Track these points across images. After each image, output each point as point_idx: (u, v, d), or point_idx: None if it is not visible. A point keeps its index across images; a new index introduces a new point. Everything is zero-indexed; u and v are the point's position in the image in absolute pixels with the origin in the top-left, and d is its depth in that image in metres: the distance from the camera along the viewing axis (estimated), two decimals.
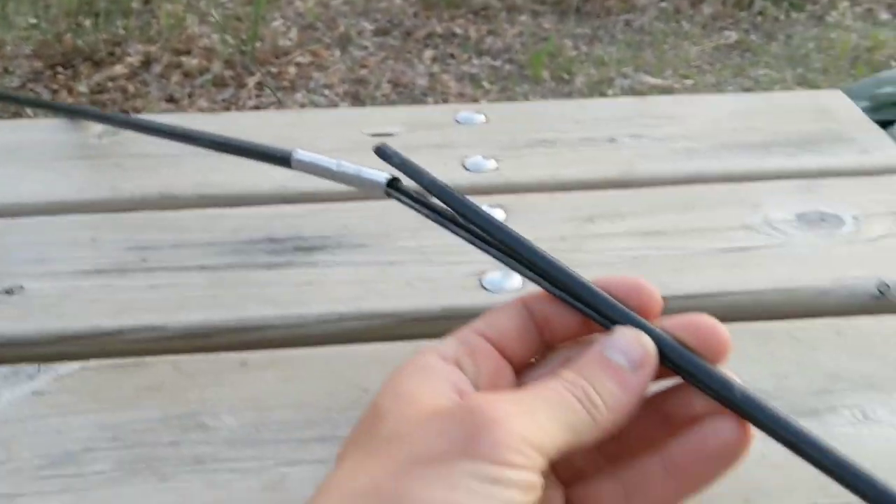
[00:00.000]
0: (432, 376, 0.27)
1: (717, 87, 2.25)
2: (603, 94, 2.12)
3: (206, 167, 0.54)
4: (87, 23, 2.29)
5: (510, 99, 2.16)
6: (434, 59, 2.38)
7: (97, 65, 2.21)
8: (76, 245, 0.47)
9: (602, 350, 0.27)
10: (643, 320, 0.28)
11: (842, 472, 0.26)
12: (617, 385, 0.26)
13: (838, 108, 0.61)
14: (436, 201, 0.34)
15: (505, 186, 0.52)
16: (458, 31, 2.52)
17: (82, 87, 2.11)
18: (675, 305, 0.42)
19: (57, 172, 0.54)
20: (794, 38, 2.54)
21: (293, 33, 2.46)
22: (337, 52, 2.39)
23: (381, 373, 0.38)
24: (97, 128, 0.58)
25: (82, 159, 0.55)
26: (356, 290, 0.44)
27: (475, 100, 2.16)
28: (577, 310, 0.30)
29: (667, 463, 0.28)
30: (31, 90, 2.08)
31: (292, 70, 2.30)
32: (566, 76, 2.29)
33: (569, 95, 2.15)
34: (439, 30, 2.52)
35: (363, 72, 2.29)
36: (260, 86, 2.20)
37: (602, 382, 0.26)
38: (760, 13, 2.67)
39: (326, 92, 2.18)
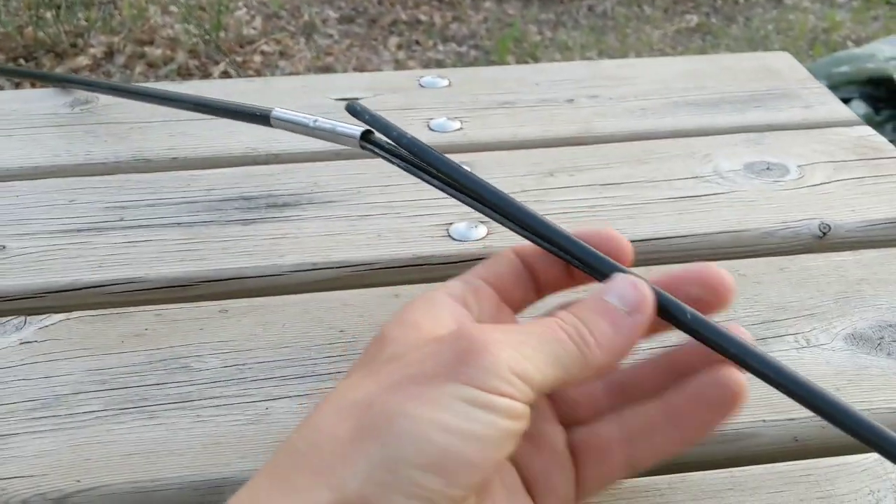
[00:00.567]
0: (436, 307, 0.28)
1: None
2: None
3: (177, 132, 0.56)
4: (49, 15, 2.27)
5: None
6: (399, 46, 2.39)
7: (59, 57, 2.20)
8: (54, 207, 0.48)
9: (600, 293, 0.28)
10: (629, 270, 0.30)
11: (788, 384, 0.27)
12: (610, 325, 0.27)
13: (783, 67, 0.64)
14: (404, 152, 0.36)
15: (469, 146, 0.55)
16: (423, 17, 2.54)
17: (27, 80, 2.10)
18: None
19: (30, 140, 0.55)
20: (754, 21, 2.59)
21: (257, 22, 2.46)
22: (302, 41, 2.40)
23: (355, 315, 0.41)
24: (67, 98, 0.59)
25: (55, 127, 0.56)
26: (328, 242, 0.46)
27: None
28: (556, 256, 0.31)
29: (669, 410, 0.29)
30: None
31: (257, 59, 2.30)
32: (531, 61, 2.32)
33: None
34: (404, 17, 2.53)
35: (329, 59, 2.29)
36: (225, 75, 2.20)
37: (595, 321, 0.27)
38: None
39: None
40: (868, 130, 0.55)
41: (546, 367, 0.25)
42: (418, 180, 0.50)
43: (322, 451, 0.23)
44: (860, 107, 1.95)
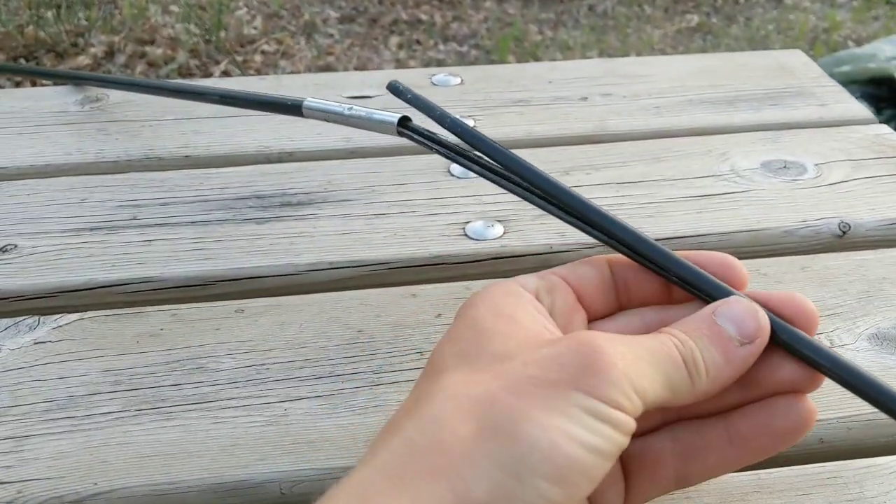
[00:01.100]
0: (526, 303, 0.28)
1: None
2: None
3: (189, 130, 0.55)
4: (49, 14, 2.27)
5: None
6: (400, 46, 2.39)
7: (60, 56, 2.19)
8: (67, 205, 0.48)
9: (714, 315, 0.27)
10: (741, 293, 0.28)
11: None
12: (722, 355, 0.26)
13: (797, 65, 0.63)
14: (444, 138, 0.35)
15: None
16: (424, 17, 2.53)
17: (46, 79, 2.09)
18: None
19: (41, 138, 0.54)
20: (754, 21, 2.59)
21: (258, 22, 2.45)
22: (302, 40, 2.39)
23: (372, 315, 0.41)
24: (77, 95, 0.59)
25: (65, 125, 0.56)
26: (345, 241, 0.45)
27: None
28: (655, 273, 0.29)
29: (731, 432, 0.27)
30: None
31: (258, 58, 2.30)
32: (532, 60, 2.31)
33: None
34: (405, 16, 2.52)
35: (329, 59, 2.29)
36: (226, 74, 2.19)
37: (708, 349, 0.26)
38: None
39: None
40: (885, 129, 0.55)
41: (659, 387, 0.25)
42: (434, 179, 0.50)
43: (444, 448, 0.22)
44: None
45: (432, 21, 2.51)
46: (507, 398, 0.23)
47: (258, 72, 2.20)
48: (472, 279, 0.43)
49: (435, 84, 0.61)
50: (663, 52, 2.40)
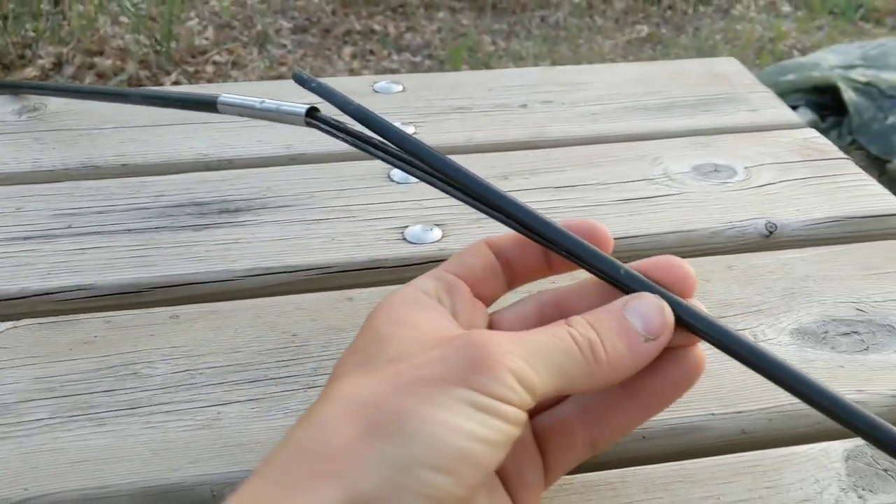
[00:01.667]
0: (425, 306, 0.29)
1: None
2: None
3: (127, 139, 0.55)
4: None
5: None
6: (354, 56, 2.39)
7: (7, 68, 2.16)
8: (2, 214, 0.47)
9: (623, 310, 0.28)
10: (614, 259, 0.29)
11: (756, 361, 0.28)
12: (627, 347, 0.27)
13: (731, 72, 0.65)
14: (352, 127, 0.35)
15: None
16: (377, 27, 2.54)
17: None
18: None
19: None
20: (703, 31, 2.64)
21: (209, 32, 2.44)
22: (255, 51, 2.38)
23: (308, 319, 0.41)
24: (14, 105, 0.58)
25: (1, 135, 0.55)
26: (281, 246, 0.45)
27: None
28: (537, 242, 0.31)
29: (629, 389, 0.29)
30: None
31: (210, 69, 2.29)
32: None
33: None
34: (358, 27, 2.53)
35: (282, 69, 2.28)
36: (177, 85, 2.17)
37: (612, 340, 0.27)
38: (670, 7, 2.76)
39: None
40: (812, 133, 0.57)
41: (550, 377, 0.25)
42: (373, 184, 0.50)
43: (330, 450, 0.23)
44: (806, 114, 2.00)
45: (386, 31, 2.52)
46: (393, 398, 0.24)
47: (209, 82, 2.18)
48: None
49: (377, 91, 0.61)
50: (614, 63, 2.44)
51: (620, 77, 0.65)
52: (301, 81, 0.36)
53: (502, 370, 0.24)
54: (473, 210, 0.33)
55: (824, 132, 2.01)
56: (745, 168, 0.53)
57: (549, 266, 0.32)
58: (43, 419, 0.35)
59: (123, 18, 2.39)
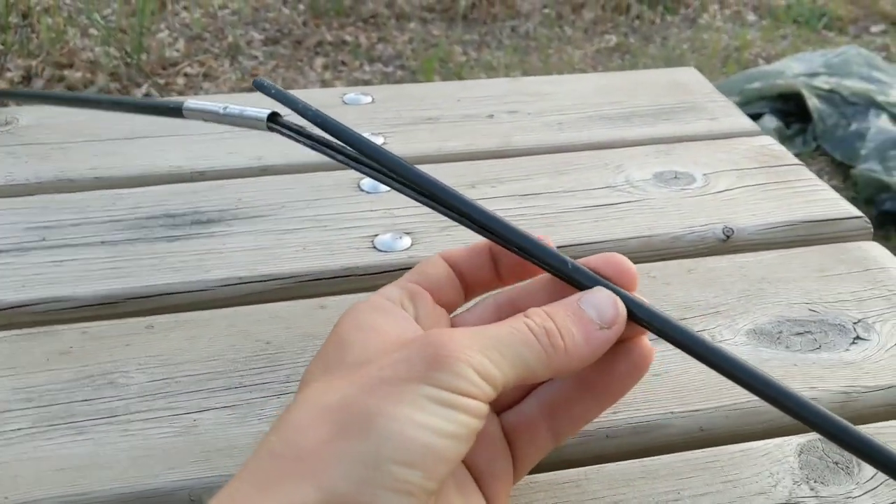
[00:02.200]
0: (388, 313, 0.30)
1: None
2: None
3: (100, 151, 0.56)
4: None
5: None
6: (325, 67, 2.40)
7: None
8: None
9: (578, 301, 0.29)
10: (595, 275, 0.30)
11: (740, 374, 0.29)
12: (582, 335, 0.28)
13: (691, 82, 0.67)
14: (311, 132, 0.37)
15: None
16: (349, 38, 2.55)
17: None
18: None
19: None
20: (670, 40, 2.68)
21: (180, 44, 2.43)
22: (226, 62, 2.38)
23: (282, 327, 0.42)
24: None
25: None
26: (255, 256, 0.46)
27: None
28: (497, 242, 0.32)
29: (583, 383, 0.31)
30: None
31: (181, 81, 2.28)
32: (457, 81, 2.35)
33: None
34: (329, 38, 2.54)
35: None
36: (148, 97, 2.17)
37: (568, 328, 0.28)
38: (638, 17, 2.80)
39: None
40: (769, 140, 0.59)
41: (509, 368, 0.27)
42: (344, 194, 0.52)
43: (303, 452, 0.24)
44: (771, 121, 2.04)
45: (357, 42, 2.53)
46: (360, 399, 0.25)
47: (181, 94, 2.18)
48: None
49: (346, 103, 0.63)
50: (584, 72, 2.47)
51: (584, 87, 0.66)
52: (261, 87, 0.38)
53: (462, 365, 0.25)
54: (442, 218, 0.34)
55: (789, 139, 2.05)
56: (704, 175, 0.55)
57: (498, 277, 0.33)
58: (22, 428, 0.36)
59: (93, 31, 2.38)
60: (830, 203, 0.51)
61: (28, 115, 0.60)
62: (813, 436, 0.36)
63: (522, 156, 0.57)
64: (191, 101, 0.43)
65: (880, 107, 2.04)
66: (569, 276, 0.31)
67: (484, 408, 0.26)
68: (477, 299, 0.34)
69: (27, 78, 2.20)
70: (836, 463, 0.35)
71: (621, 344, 0.30)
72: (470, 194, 0.52)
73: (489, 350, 0.26)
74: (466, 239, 0.47)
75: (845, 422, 0.27)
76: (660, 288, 0.45)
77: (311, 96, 0.64)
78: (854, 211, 0.51)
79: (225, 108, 0.41)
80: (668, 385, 0.39)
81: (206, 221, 0.49)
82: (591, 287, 0.30)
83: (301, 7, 2.70)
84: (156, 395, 0.38)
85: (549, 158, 0.57)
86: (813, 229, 0.50)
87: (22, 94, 0.58)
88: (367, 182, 0.53)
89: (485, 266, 0.33)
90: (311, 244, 0.47)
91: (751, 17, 2.87)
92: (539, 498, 0.34)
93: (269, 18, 2.63)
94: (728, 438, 0.37)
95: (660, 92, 0.66)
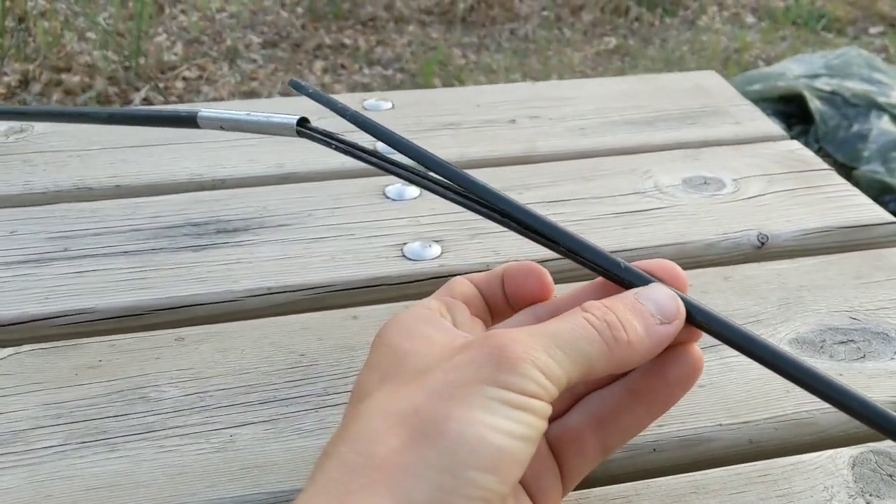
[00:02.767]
0: (434, 322, 0.29)
1: None
2: None
3: (118, 159, 0.55)
4: None
5: None
6: (325, 70, 2.39)
7: None
8: None
9: (636, 295, 0.28)
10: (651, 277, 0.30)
11: (802, 376, 0.28)
12: (643, 328, 0.27)
13: (712, 86, 0.66)
14: (342, 136, 0.36)
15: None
16: (348, 41, 2.54)
17: None
18: None
19: None
20: (669, 42, 2.68)
21: (178, 48, 2.42)
22: (225, 66, 2.37)
23: (314, 339, 0.41)
24: (1, 127, 0.58)
25: None
26: (282, 266, 0.45)
27: None
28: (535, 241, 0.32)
29: (633, 391, 0.30)
30: None
31: (179, 85, 2.27)
32: (457, 84, 2.35)
33: None
34: (328, 41, 2.53)
35: (253, 84, 2.28)
36: (147, 101, 2.16)
37: (629, 320, 0.27)
38: (637, 19, 2.80)
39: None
40: (796, 144, 0.58)
41: (571, 365, 0.26)
42: (370, 202, 0.51)
43: (378, 461, 0.23)
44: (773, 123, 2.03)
45: (356, 45, 2.52)
46: (430, 404, 0.24)
47: (179, 98, 2.17)
48: (412, 299, 0.44)
49: (367, 109, 0.62)
50: (583, 74, 2.46)
51: (605, 91, 0.66)
52: (298, 88, 0.37)
53: (527, 366, 0.25)
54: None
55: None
56: (734, 180, 0.54)
57: (510, 306, 0.33)
58: (54, 446, 0.35)
59: (90, 34, 2.37)
60: (864, 208, 0.51)
61: (43, 123, 0.58)
62: (865, 447, 0.35)
63: (547, 161, 0.56)
64: (206, 111, 0.41)
65: (881, 108, 2.04)
66: (620, 276, 0.30)
67: (548, 408, 0.25)
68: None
69: (24, 82, 2.19)
70: (891, 475, 0.34)
71: (672, 350, 0.29)
72: None
73: (552, 349, 0.26)
74: (496, 247, 0.47)
75: None
76: (698, 296, 0.43)
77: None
78: (888, 217, 0.50)
79: (248, 114, 0.40)
80: (715, 396, 0.38)
81: (231, 230, 0.48)
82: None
83: (299, 10, 2.69)
84: (190, 410, 0.37)
85: (574, 164, 0.56)
86: (848, 235, 0.49)
87: (33, 112, 0.57)
88: (393, 189, 0.52)
89: (500, 293, 0.33)
90: (339, 253, 0.46)
91: (749, 18, 2.87)
92: None
93: (268, 22, 2.62)
94: (778, 451, 0.36)
95: (682, 96, 0.65)
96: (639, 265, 0.30)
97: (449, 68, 2.42)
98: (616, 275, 0.30)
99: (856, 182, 1.87)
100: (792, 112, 2.08)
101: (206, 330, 0.42)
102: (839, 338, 0.41)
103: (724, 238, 0.48)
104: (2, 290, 0.43)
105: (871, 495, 0.33)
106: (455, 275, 0.45)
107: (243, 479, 0.34)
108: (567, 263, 0.34)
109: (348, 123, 0.35)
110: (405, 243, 0.47)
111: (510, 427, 0.24)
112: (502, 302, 0.33)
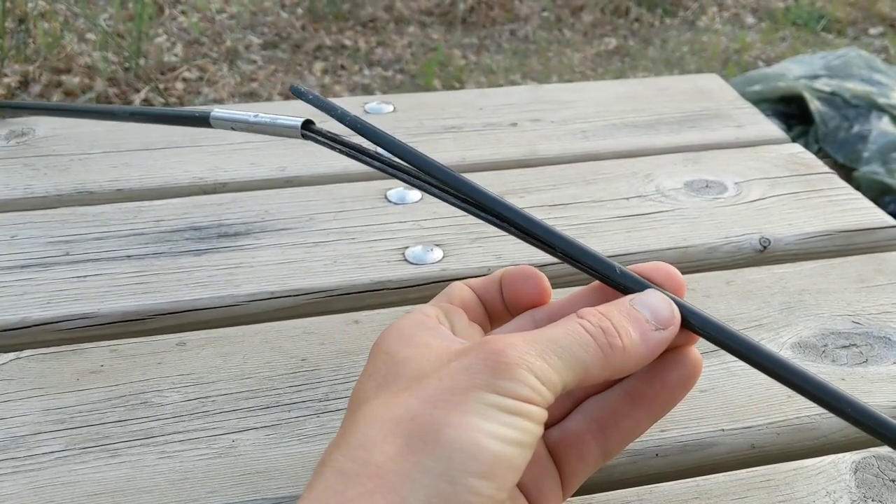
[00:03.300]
0: (432, 328, 0.29)
1: None
2: None
3: (120, 163, 0.55)
4: None
5: None
6: (325, 71, 2.39)
7: None
8: None
9: (631, 302, 0.29)
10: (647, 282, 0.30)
11: (801, 382, 0.28)
12: (639, 334, 0.27)
13: (714, 88, 0.66)
14: (346, 139, 0.36)
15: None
16: (348, 42, 2.54)
17: None
18: None
19: None
20: (669, 43, 2.68)
21: (178, 49, 2.42)
22: (225, 67, 2.37)
23: (316, 343, 0.41)
24: (2, 130, 0.58)
25: None
26: (284, 270, 0.45)
27: None
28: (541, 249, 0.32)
29: (633, 396, 0.30)
30: None
31: (180, 86, 2.27)
32: (457, 85, 2.35)
33: None
34: (328, 42, 2.53)
35: (253, 85, 2.28)
36: (147, 103, 2.16)
37: (625, 326, 0.27)
38: (637, 20, 2.80)
39: (217, 106, 2.16)
40: (798, 148, 0.58)
41: (567, 371, 0.26)
42: (372, 206, 0.51)
43: (375, 469, 0.23)
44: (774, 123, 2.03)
45: (356, 46, 2.52)
46: (426, 411, 0.24)
47: (180, 98, 2.17)
48: (414, 303, 0.44)
49: (368, 112, 0.62)
50: (583, 75, 2.46)
51: (606, 94, 0.66)
52: (299, 94, 0.37)
53: (522, 371, 0.25)
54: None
55: (791, 142, 2.05)
56: (736, 183, 0.54)
57: (507, 311, 0.33)
58: (55, 451, 0.35)
59: (90, 35, 2.37)
60: (866, 212, 0.51)
61: (44, 126, 0.58)
62: (867, 452, 0.35)
63: (548, 165, 0.56)
64: (218, 111, 0.42)
65: (881, 109, 2.04)
66: (616, 281, 0.30)
67: (544, 414, 0.25)
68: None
69: (24, 83, 2.19)
70: (894, 480, 0.34)
71: (671, 352, 0.30)
72: None
73: (547, 354, 0.26)
74: (498, 251, 0.47)
75: None
76: (700, 301, 0.44)
77: None
78: (890, 220, 0.50)
79: (256, 116, 0.40)
80: (716, 401, 0.38)
81: (232, 234, 0.48)
82: (640, 291, 0.29)
83: (299, 11, 2.69)
84: (192, 416, 0.37)
85: (575, 167, 0.56)
86: (850, 239, 0.49)
87: (41, 107, 0.57)
88: (395, 193, 0.52)
89: (497, 297, 0.33)
90: (341, 257, 0.46)
91: (749, 19, 2.87)
92: None
93: (268, 22, 2.62)
94: (780, 456, 0.36)
95: (683, 99, 0.65)
96: (636, 269, 0.31)
97: (449, 69, 2.42)
98: (612, 279, 0.30)
99: (856, 183, 1.87)
100: (792, 113, 2.08)
101: (208, 334, 0.42)
102: (841, 342, 0.41)
103: (726, 242, 0.48)
104: (3, 294, 0.43)
105: (873, 500, 0.33)
106: (457, 279, 0.45)
107: (244, 484, 0.33)
108: (565, 268, 0.34)
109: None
110: (407, 247, 0.47)
111: (505, 433, 0.24)
112: (501, 306, 0.33)
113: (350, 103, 0.64)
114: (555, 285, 0.33)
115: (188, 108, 0.43)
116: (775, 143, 0.59)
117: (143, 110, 0.47)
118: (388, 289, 0.45)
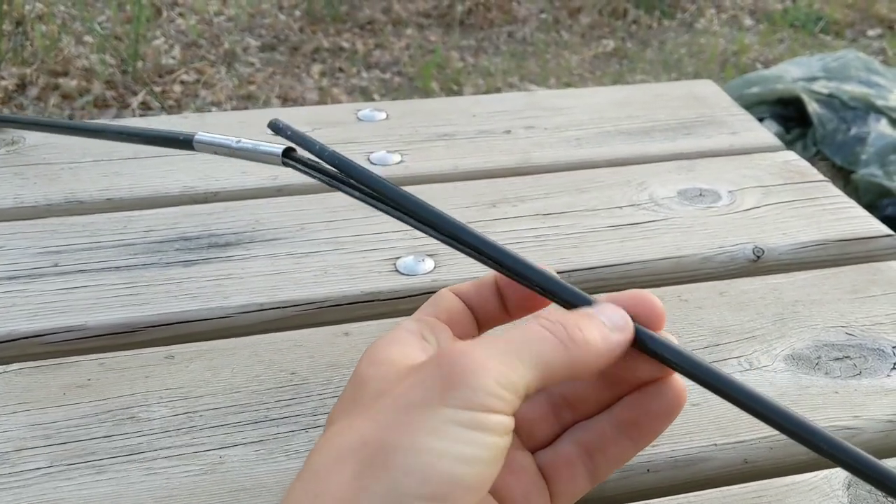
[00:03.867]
0: (405, 343, 0.29)
1: None
2: None
3: (111, 172, 0.54)
4: None
5: None
6: (323, 74, 2.39)
7: None
8: None
9: (586, 310, 0.28)
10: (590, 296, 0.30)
11: (758, 407, 0.28)
12: (598, 332, 0.27)
13: (708, 95, 0.66)
14: (326, 167, 0.36)
15: (411, 178, 0.55)
16: (346, 45, 2.54)
17: None
18: (577, 278, 0.46)
19: None
20: (667, 45, 2.67)
21: (176, 51, 2.42)
22: (223, 70, 2.37)
23: (306, 356, 0.41)
24: None
25: None
26: (274, 281, 0.45)
27: None
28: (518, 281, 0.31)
29: (619, 423, 0.30)
30: None
31: (177, 88, 2.27)
32: (455, 87, 2.34)
33: None
34: (326, 44, 2.53)
35: (251, 88, 2.27)
36: (145, 105, 2.15)
37: (584, 324, 0.27)
38: (635, 22, 2.80)
39: (214, 109, 2.15)
40: (792, 155, 0.58)
41: (529, 370, 0.25)
42: (364, 215, 0.50)
43: (327, 499, 0.23)
44: (771, 126, 2.03)
45: (354, 49, 2.52)
46: (377, 434, 0.24)
47: (177, 101, 2.16)
48: (405, 314, 0.43)
49: (361, 119, 0.61)
50: (581, 77, 2.46)
51: (600, 101, 0.65)
52: (277, 130, 0.37)
53: (478, 377, 0.24)
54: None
55: (790, 144, 2.04)
56: (730, 192, 0.53)
57: (506, 311, 0.32)
58: (41, 468, 0.35)
59: (88, 38, 2.36)
60: (860, 221, 0.50)
61: (34, 135, 0.58)
62: None
63: (542, 173, 0.56)
64: (202, 135, 0.42)
65: (879, 111, 2.04)
66: (567, 301, 0.30)
67: (509, 422, 0.24)
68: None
69: (21, 86, 2.18)
70: (886, 497, 0.34)
71: (654, 383, 0.29)
72: (491, 214, 0.51)
73: (505, 356, 0.25)
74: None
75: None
76: (693, 312, 0.43)
77: (327, 112, 0.63)
78: (884, 229, 0.50)
79: (238, 141, 0.40)
80: (709, 416, 0.37)
81: (223, 245, 0.48)
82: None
83: (297, 13, 2.68)
84: (179, 431, 0.36)
85: (569, 175, 0.55)
86: (844, 248, 0.49)
87: (25, 122, 0.57)
88: None
89: (491, 300, 0.32)
90: (331, 268, 0.46)
91: (748, 21, 2.87)
92: None
93: (266, 25, 2.61)
94: (773, 471, 0.36)
95: (677, 105, 0.64)
96: (616, 297, 0.30)
97: (447, 71, 2.42)
98: (563, 298, 0.30)
99: (854, 186, 1.87)
100: (790, 115, 2.07)
101: (197, 347, 0.41)
102: (835, 354, 0.41)
103: (719, 251, 0.48)
104: None
105: None
106: None
107: (231, 502, 0.33)
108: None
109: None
110: (398, 257, 0.47)
111: (462, 451, 0.23)
112: (495, 309, 0.32)
113: (342, 110, 0.63)
114: None
115: (173, 131, 0.43)
116: (770, 151, 0.58)
117: (130, 129, 0.47)
118: (379, 300, 0.45)
